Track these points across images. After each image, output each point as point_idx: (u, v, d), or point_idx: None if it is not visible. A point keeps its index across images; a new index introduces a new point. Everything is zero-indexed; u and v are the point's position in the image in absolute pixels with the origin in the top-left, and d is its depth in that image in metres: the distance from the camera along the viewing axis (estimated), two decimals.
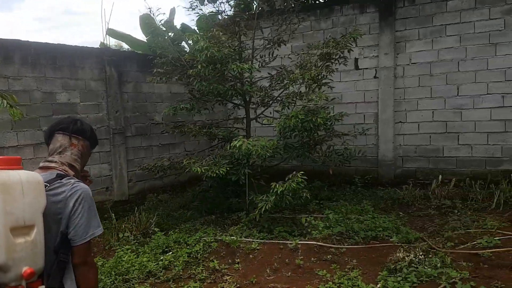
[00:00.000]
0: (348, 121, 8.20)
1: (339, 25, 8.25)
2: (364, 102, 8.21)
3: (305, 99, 5.79)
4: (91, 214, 1.97)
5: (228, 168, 5.57)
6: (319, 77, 6.28)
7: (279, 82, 6.28)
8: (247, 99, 6.55)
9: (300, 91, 6.39)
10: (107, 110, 7.13)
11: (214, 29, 5.84)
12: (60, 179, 1.95)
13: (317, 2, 9.87)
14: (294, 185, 5.08)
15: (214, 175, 5.42)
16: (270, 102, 6.56)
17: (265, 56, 6.69)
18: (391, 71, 7.87)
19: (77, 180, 2.03)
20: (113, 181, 7.25)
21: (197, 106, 6.34)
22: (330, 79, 6.78)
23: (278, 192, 5.07)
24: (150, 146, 7.94)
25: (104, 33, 6.90)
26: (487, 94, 7.25)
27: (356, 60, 8.20)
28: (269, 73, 6.78)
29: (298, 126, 5.60)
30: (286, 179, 5.19)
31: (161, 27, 6.51)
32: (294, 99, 6.07)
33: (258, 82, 6.92)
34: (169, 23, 6.10)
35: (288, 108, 6.16)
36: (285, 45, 6.70)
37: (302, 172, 5.21)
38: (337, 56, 6.52)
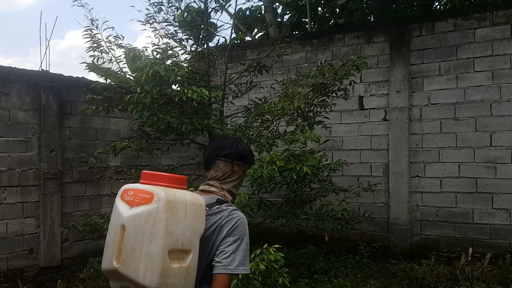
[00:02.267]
0: (351, 173, 6.55)
1: (340, 57, 6.76)
2: (371, 150, 6.56)
3: (287, 140, 4.17)
4: (242, 246, 1.79)
5: None
6: (310, 113, 4.72)
7: (256, 118, 4.68)
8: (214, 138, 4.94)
9: (285, 131, 4.80)
10: (38, 148, 5.56)
11: (169, 44, 4.34)
12: (219, 205, 1.87)
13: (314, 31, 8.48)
14: (264, 266, 3.37)
15: None
16: (246, 143, 4.92)
17: (240, 85, 5.16)
18: (405, 112, 6.28)
19: (236, 208, 1.90)
20: (40, 241, 5.55)
21: (147, 146, 4.73)
22: (326, 117, 5.19)
23: (239, 277, 3.36)
24: (98, 195, 6.28)
25: (43, 54, 5.33)
26: None
27: (360, 98, 6.65)
28: (245, 106, 5.22)
29: (275, 177, 3.94)
30: (253, 256, 3.49)
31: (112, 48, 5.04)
32: (275, 140, 4.46)
33: (233, 117, 5.36)
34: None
35: (268, 152, 4.55)
36: (267, 71, 5.16)
37: (278, 246, 3.51)
38: (335, 88, 4.97)
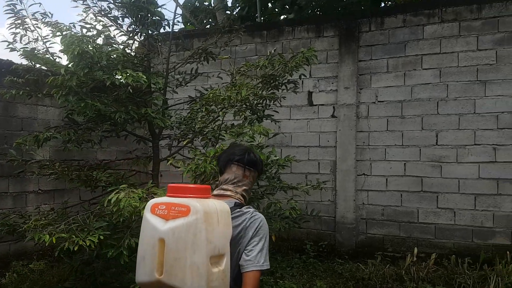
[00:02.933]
0: (299, 170, 6.36)
1: (289, 51, 6.53)
2: (319, 147, 6.40)
3: (234, 133, 3.85)
4: (265, 245, 1.98)
5: (103, 237, 3.46)
6: (259, 106, 4.44)
7: (201, 108, 4.32)
8: (156, 131, 4.54)
9: (233, 124, 4.49)
10: None
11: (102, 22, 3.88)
12: (239, 208, 2.02)
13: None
14: None
15: (76, 248, 3.28)
16: (191, 136, 4.55)
17: (185, 73, 4.78)
18: (352, 109, 6.16)
19: (255, 210, 2.06)
20: None
21: (76, 137, 4.24)
22: (275, 111, 4.93)
23: None
24: (24, 192, 5.65)
25: None
26: (475, 144, 5.64)
27: (310, 94, 6.47)
28: (190, 96, 4.84)
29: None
30: None
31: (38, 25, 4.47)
32: (221, 133, 4.12)
33: (177, 109, 4.97)
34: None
35: (213, 146, 4.22)
36: (214, 59, 4.82)
37: None
38: (285, 80, 4.72)
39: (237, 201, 2.06)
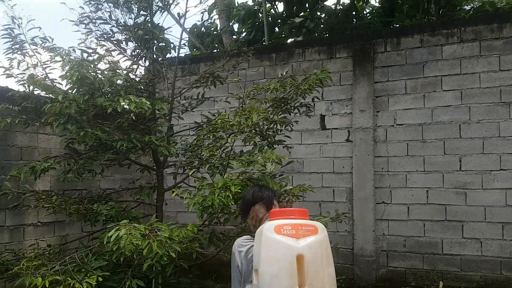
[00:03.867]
0: (312, 198, 5.98)
1: (300, 73, 6.26)
2: (334, 173, 6.03)
3: (244, 161, 3.52)
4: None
5: (101, 278, 3.12)
6: (269, 131, 4.13)
7: (208, 135, 4.01)
8: (160, 159, 4.23)
9: (242, 150, 4.17)
10: None
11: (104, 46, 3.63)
12: None
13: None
14: None
15: None
16: (197, 164, 4.23)
17: (191, 98, 4.50)
18: (369, 133, 5.83)
19: None
20: None
21: (76, 167, 3.94)
22: (287, 136, 4.62)
23: None
24: (21, 225, 5.32)
25: None
26: (500, 170, 5.26)
27: (322, 117, 6.15)
28: (196, 122, 4.55)
29: (229, 206, 3.28)
30: None
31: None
32: (229, 161, 3.80)
33: (183, 135, 4.68)
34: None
35: (221, 175, 3.89)
36: (222, 83, 4.54)
37: None
38: (297, 103, 4.43)
39: None
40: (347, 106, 6.04)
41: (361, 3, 11.19)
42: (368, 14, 11.93)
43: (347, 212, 5.46)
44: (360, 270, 5.77)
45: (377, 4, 11.50)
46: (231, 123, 3.41)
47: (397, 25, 9.70)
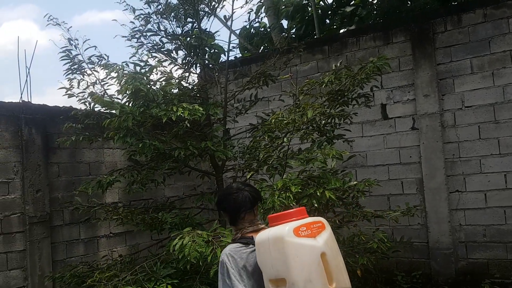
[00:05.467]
0: (379, 192, 5.69)
1: (355, 63, 6.02)
2: (400, 164, 5.74)
3: (302, 159, 3.40)
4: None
5: (171, 286, 3.14)
6: (327, 125, 3.98)
7: (263, 135, 3.93)
8: (218, 164, 4.22)
9: (300, 148, 4.05)
10: (22, 189, 4.90)
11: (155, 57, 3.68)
12: None
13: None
14: None
15: None
16: (255, 166, 4.17)
17: (244, 100, 4.45)
18: (436, 119, 5.48)
19: None
20: None
21: (140, 178, 4.02)
22: (347, 130, 4.43)
23: None
24: (95, 237, 5.56)
25: (23, 83, 4.73)
26: None
27: (383, 106, 5.87)
28: (251, 124, 4.50)
29: (291, 207, 3.17)
30: None
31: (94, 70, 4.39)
32: (287, 160, 3.69)
33: (239, 138, 4.64)
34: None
35: (280, 176, 3.79)
36: (274, 81, 4.45)
37: None
38: (355, 95, 4.23)
39: None
40: (409, 92, 5.72)
41: None
42: None
43: (419, 205, 5.16)
44: (437, 264, 5.43)
45: None
46: (285, 121, 3.31)
47: (455, 2, 9.10)
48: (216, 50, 4.55)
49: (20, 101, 5.03)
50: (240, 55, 10.80)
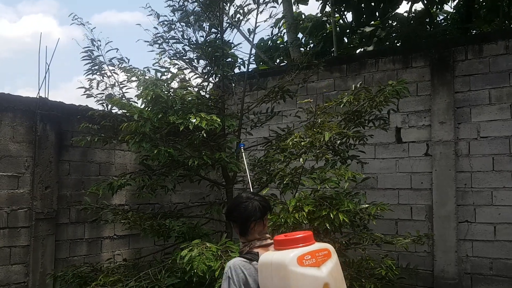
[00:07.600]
0: (387, 215, 5.59)
1: (373, 84, 6.01)
2: (411, 189, 5.69)
3: (316, 178, 3.38)
4: None
5: None
6: (342, 145, 3.96)
7: (278, 152, 3.92)
8: (229, 175, 4.21)
9: (313, 167, 4.03)
10: (31, 185, 4.91)
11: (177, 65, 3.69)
12: None
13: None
14: None
15: None
16: (265, 180, 4.15)
17: (260, 113, 4.45)
18: (450, 147, 5.44)
19: None
20: None
21: (151, 183, 4.02)
22: (361, 151, 4.41)
23: None
24: (99, 238, 5.55)
25: (41, 79, 4.77)
26: None
27: (398, 129, 5.84)
28: (265, 138, 4.49)
29: (302, 224, 3.15)
30: None
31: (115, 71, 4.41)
32: (300, 178, 3.67)
33: (251, 150, 4.63)
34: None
35: (292, 193, 3.77)
36: (291, 97, 4.45)
37: None
38: (372, 117, 4.22)
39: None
40: (425, 117, 5.69)
41: (435, 9, 10.67)
42: (443, 21, 11.35)
43: (430, 234, 5.09)
44: None
45: (452, 10, 10.93)
46: (302, 143, 3.29)
47: (477, 31, 9.10)
48: (232, 60, 4.55)
49: (37, 97, 5.07)
50: (257, 67, 10.85)
